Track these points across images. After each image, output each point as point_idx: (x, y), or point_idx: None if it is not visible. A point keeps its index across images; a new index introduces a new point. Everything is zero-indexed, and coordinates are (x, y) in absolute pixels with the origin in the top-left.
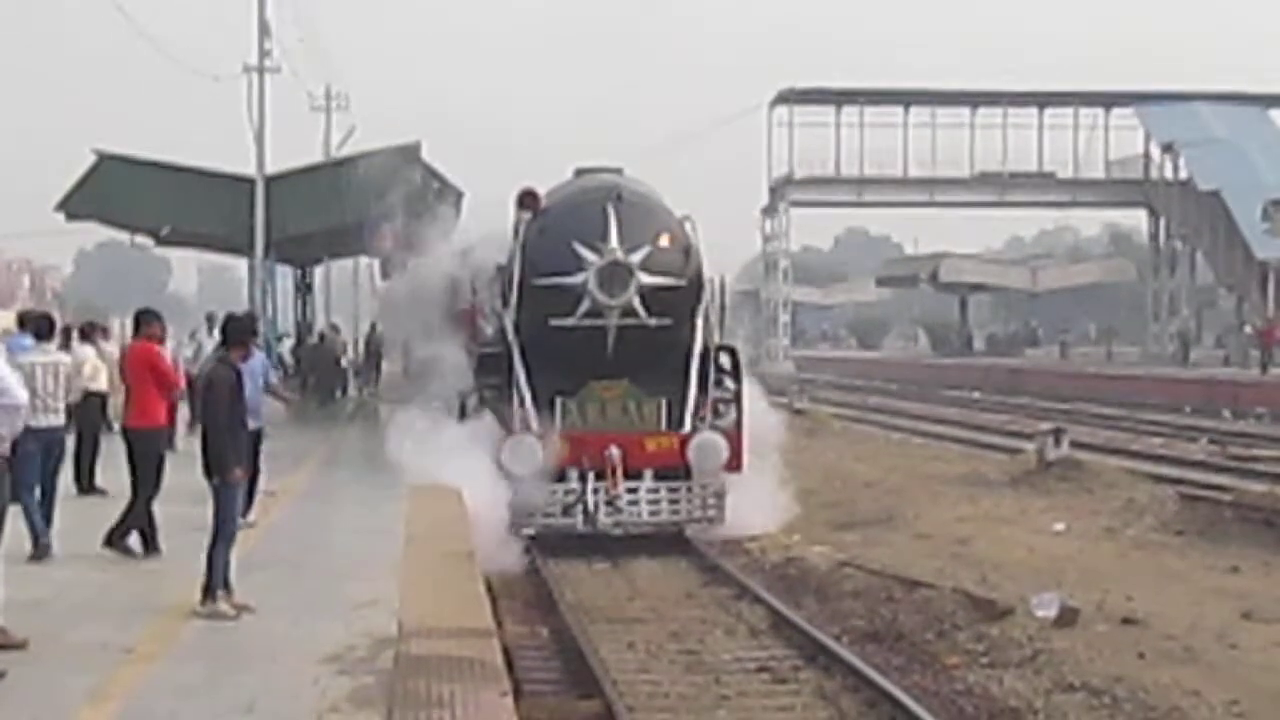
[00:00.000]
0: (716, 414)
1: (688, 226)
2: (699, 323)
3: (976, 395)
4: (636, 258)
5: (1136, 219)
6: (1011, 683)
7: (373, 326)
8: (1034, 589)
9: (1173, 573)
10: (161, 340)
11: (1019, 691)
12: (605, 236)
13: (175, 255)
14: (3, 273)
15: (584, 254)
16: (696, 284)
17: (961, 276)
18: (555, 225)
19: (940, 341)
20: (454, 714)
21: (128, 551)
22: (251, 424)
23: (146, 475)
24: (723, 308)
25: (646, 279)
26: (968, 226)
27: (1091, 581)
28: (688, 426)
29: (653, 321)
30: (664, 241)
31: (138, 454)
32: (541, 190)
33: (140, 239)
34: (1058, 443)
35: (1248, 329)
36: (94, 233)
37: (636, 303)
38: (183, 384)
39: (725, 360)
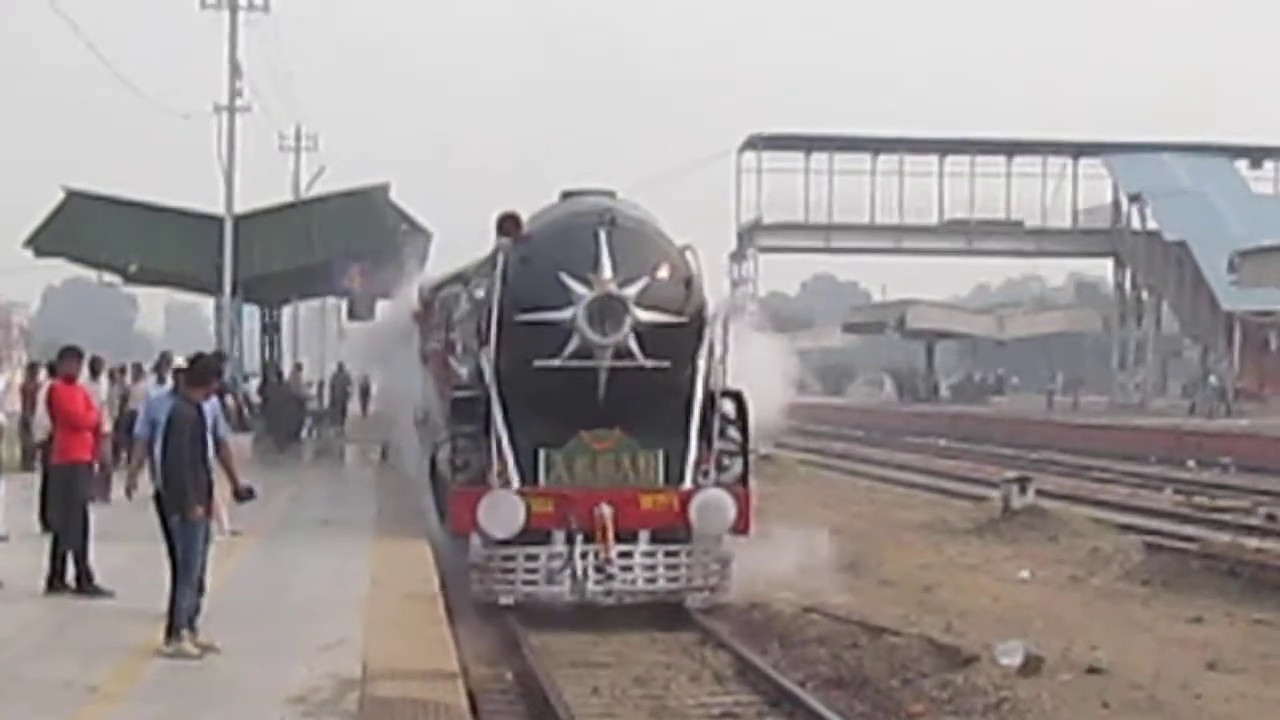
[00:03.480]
0: (721, 468)
1: (689, 256)
2: (701, 365)
3: (943, 442)
4: (631, 291)
5: (1102, 269)
6: None
7: (340, 367)
8: (999, 637)
9: (1137, 622)
10: (74, 378)
11: None
12: (596, 267)
13: (143, 293)
14: None
15: (572, 286)
16: (698, 321)
17: (928, 324)
18: (540, 254)
19: (906, 388)
20: None
21: (99, 592)
22: None
23: (65, 510)
24: (726, 348)
25: (643, 315)
26: (935, 274)
27: (1056, 630)
28: (689, 482)
29: (650, 363)
30: (663, 273)
31: (55, 490)
32: (525, 214)
33: (108, 276)
34: (1023, 491)
35: (1213, 379)
36: (62, 269)
37: (631, 342)
38: (100, 423)
39: (730, 407)
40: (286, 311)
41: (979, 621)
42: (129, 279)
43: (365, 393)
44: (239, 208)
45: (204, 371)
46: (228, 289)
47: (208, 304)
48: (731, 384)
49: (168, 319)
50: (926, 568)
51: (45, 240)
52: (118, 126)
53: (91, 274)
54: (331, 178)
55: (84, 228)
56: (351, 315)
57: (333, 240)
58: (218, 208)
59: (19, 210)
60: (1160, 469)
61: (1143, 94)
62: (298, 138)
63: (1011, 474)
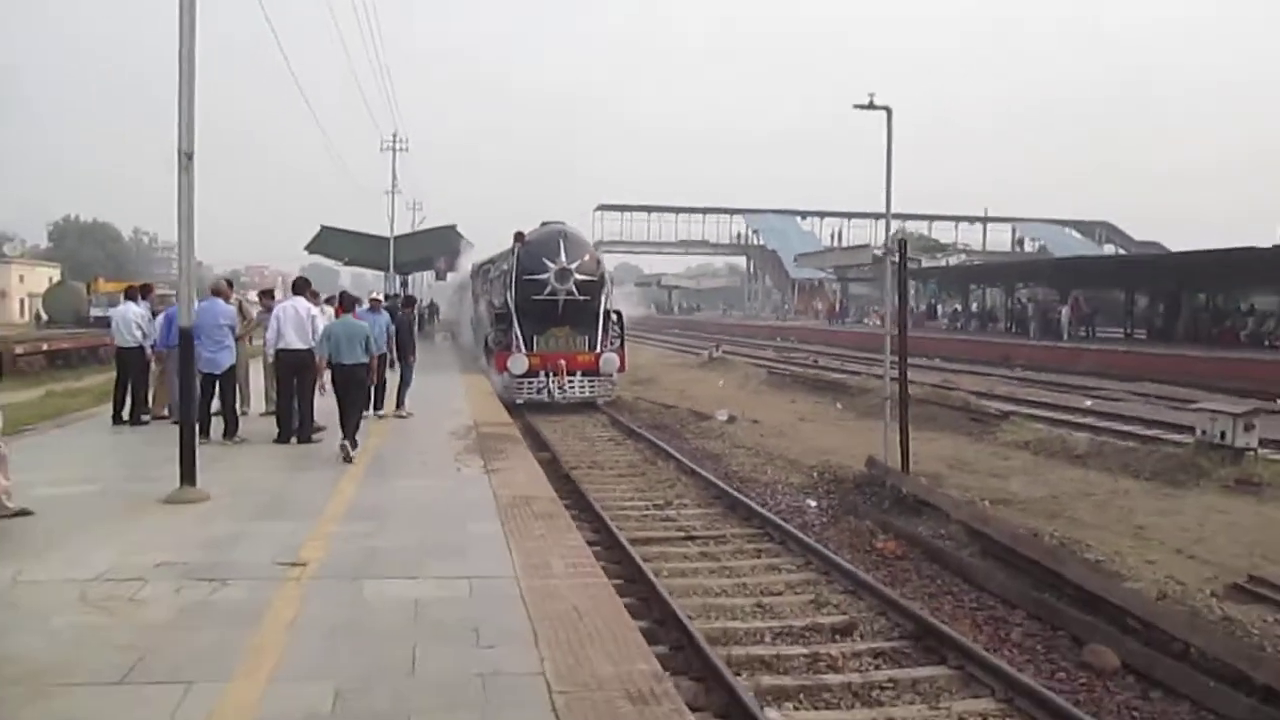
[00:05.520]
0: (611, 344)
1: (597, 252)
2: (603, 299)
3: (677, 332)
4: (574, 266)
5: (741, 260)
6: (712, 444)
7: (431, 301)
8: (717, 408)
9: (767, 403)
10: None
11: (717, 448)
12: (559, 255)
13: (344, 269)
14: (273, 278)
15: (548, 264)
16: (601, 280)
17: (670, 283)
18: (534, 248)
19: (661, 310)
20: (506, 455)
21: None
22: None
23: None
24: (611, 292)
25: (579, 277)
26: (673, 261)
27: (737, 405)
28: (598, 349)
29: (582, 298)
30: (586, 258)
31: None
32: (526, 230)
33: (337, 263)
34: (717, 349)
35: (786, 306)
36: (313, 259)
37: (574, 289)
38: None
39: (615, 317)
40: (412, 277)
41: (706, 402)
42: (346, 263)
43: (435, 312)
44: (397, 232)
45: (410, 301)
46: (391, 267)
47: (376, 273)
48: (614, 306)
49: (353, 280)
50: (682, 381)
51: (313, 246)
52: (339, 197)
53: (329, 262)
54: (429, 220)
55: (329, 242)
56: (437, 278)
57: (431, 247)
58: (385, 233)
59: (294, 233)
60: (767, 342)
61: (761, 183)
62: (416, 205)
63: (711, 343)
